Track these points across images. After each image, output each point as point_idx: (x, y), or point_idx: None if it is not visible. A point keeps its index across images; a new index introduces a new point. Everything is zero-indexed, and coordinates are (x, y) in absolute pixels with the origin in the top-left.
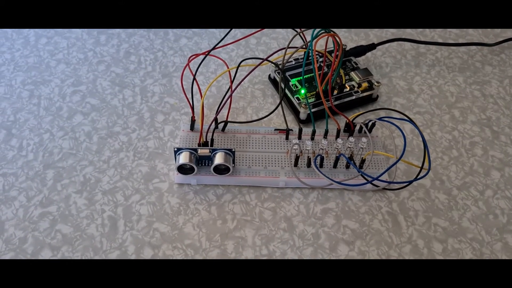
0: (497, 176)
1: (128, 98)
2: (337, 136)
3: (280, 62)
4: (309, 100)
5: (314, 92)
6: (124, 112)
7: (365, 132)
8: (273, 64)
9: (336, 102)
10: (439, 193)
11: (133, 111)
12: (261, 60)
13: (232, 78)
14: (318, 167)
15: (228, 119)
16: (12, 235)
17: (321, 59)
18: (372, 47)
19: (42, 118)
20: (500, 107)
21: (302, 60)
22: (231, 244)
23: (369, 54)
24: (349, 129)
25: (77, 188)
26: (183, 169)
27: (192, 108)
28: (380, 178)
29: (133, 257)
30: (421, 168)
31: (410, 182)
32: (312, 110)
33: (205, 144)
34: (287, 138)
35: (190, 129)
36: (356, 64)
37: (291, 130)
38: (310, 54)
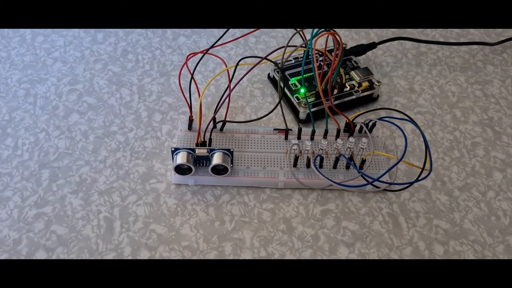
0: (499, 177)
1: (125, 97)
2: (337, 136)
3: (280, 61)
4: (309, 100)
5: (314, 92)
6: (121, 111)
7: (365, 132)
8: (272, 63)
9: (336, 102)
10: (440, 194)
11: (130, 110)
12: (260, 59)
13: (230, 77)
14: (318, 168)
15: (227, 119)
16: (6, 236)
17: (321, 58)
18: (372, 46)
19: (38, 117)
20: (502, 107)
21: (301, 59)
22: (229, 245)
23: (369, 53)
24: (349, 129)
25: (73, 188)
26: (180, 170)
27: (190, 107)
28: (380, 179)
29: (129, 258)
30: (423, 169)
31: (411, 184)
32: (312, 109)
33: (203, 144)
34: (286, 138)
35: (188, 129)
36: (357, 63)
37: (290, 130)
38: (309, 53)
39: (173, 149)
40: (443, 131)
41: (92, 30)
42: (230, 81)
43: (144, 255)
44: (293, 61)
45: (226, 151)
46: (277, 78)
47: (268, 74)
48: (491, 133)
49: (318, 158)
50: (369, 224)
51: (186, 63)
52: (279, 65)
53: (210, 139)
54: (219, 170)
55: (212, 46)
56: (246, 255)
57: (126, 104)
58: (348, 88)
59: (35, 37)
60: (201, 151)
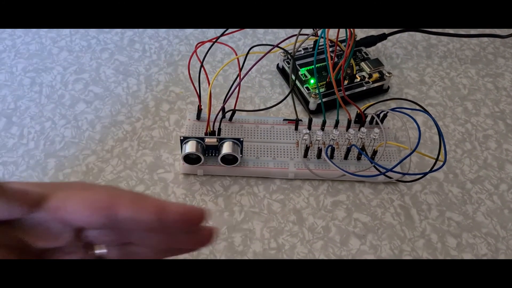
0: (511, 170)
1: (132, 87)
2: (348, 126)
3: (291, 50)
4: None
5: (324, 82)
6: (128, 101)
7: (376, 123)
8: (282, 52)
9: (347, 93)
10: (453, 187)
11: (137, 100)
12: (272, 47)
13: (240, 65)
14: (329, 158)
15: (236, 108)
16: None
17: (331, 48)
18: (382, 37)
19: (43, 106)
20: None
21: (310, 49)
22: (239, 236)
23: (379, 44)
24: (360, 120)
25: (80, 177)
26: (189, 159)
27: (199, 97)
28: (394, 169)
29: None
30: (437, 159)
31: (425, 174)
32: (323, 100)
33: (212, 134)
34: (296, 128)
35: (197, 119)
36: (367, 54)
37: (301, 120)
38: (322, 42)
39: (182, 138)
40: (455, 123)
41: None
42: (240, 69)
43: None
44: (302, 52)
45: (236, 141)
46: (286, 68)
47: (277, 64)
48: (503, 125)
49: (329, 149)
50: (380, 216)
51: (195, 51)
52: (291, 54)
53: (219, 129)
54: (228, 160)
55: (222, 35)
56: (256, 246)
57: (133, 94)
58: (359, 79)
59: None
60: (211, 140)
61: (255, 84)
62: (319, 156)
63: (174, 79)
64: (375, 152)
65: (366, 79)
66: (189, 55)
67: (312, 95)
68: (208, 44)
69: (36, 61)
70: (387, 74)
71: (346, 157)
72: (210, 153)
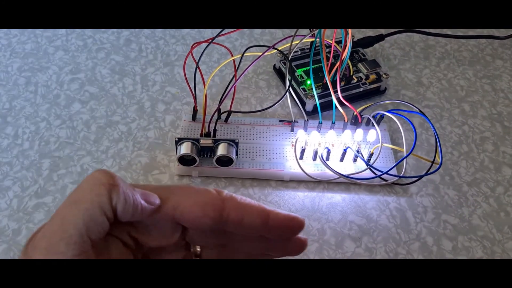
0: (508, 172)
1: (128, 87)
2: (344, 128)
3: (287, 51)
4: (316, 91)
5: (321, 83)
6: (123, 101)
7: (372, 125)
8: (279, 53)
9: (343, 94)
10: (449, 189)
11: (133, 100)
12: (268, 48)
13: (236, 66)
14: (325, 160)
15: (232, 109)
16: (6, 227)
17: (328, 49)
18: (380, 38)
19: (38, 106)
20: (511, 101)
21: (307, 50)
22: None
23: (377, 45)
24: (356, 121)
25: (74, 178)
26: (184, 160)
27: (195, 98)
28: (389, 172)
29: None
30: (433, 162)
31: (421, 177)
32: (319, 101)
33: (207, 135)
34: (292, 130)
35: (192, 119)
36: (364, 55)
37: (297, 121)
38: (318, 44)
39: (177, 139)
40: (452, 125)
41: None
42: (236, 70)
43: None
44: (299, 52)
45: (231, 142)
46: (283, 69)
47: (274, 65)
48: (500, 128)
49: (325, 151)
50: (376, 219)
51: (191, 52)
52: (287, 55)
53: (214, 130)
54: (223, 162)
55: (218, 35)
56: None
57: (129, 94)
58: (356, 80)
59: None
60: (206, 142)
61: (251, 84)
62: (315, 158)
63: (170, 80)
64: (371, 154)
65: (363, 80)
66: (186, 55)
67: (309, 96)
68: (204, 45)
69: (32, 60)
70: (384, 76)
71: (342, 159)
72: (205, 155)
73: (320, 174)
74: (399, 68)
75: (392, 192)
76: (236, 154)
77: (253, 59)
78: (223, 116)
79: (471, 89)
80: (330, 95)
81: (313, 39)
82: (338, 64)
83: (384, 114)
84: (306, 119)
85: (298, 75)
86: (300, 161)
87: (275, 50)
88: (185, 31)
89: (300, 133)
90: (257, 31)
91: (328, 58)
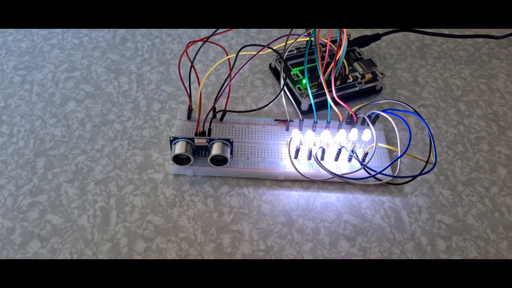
0: (503, 172)
1: (123, 86)
2: (339, 128)
3: (282, 51)
4: (311, 91)
5: (316, 83)
6: (119, 100)
7: (368, 125)
8: (274, 52)
9: (339, 93)
10: (444, 189)
11: (128, 99)
12: (262, 47)
13: (231, 65)
14: (319, 160)
15: (227, 109)
16: (0, 225)
17: (323, 49)
18: (376, 37)
19: (34, 105)
20: (507, 101)
21: (304, 49)
22: (227, 238)
23: (373, 44)
24: (352, 121)
25: (69, 177)
26: (179, 159)
27: (190, 97)
28: (383, 172)
29: (125, 250)
30: (427, 162)
31: (415, 177)
32: (314, 100)
33: (202, 134)
34: (287, 129)
35: (187, 118)
36: (360, 54)
37: (292, 121)
38: (313, 43)
39: (171, 138)
40: (447, 124)
41: None
42: (231, 69)
43: (140, 246)
44: (295, 51)
45: (225, 141)
46: (279, 68)
47: (270, 64)
48: (495, 127)
49: (320, 150)
50: (370, 218)
51: (186, 51)
52: (282, 55)
53: (209, 129)
54: (218, 161)
55: (213, 34)
56: (245, 248)
57: (124, 93)
58: (351, 79)
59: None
60: (200, 141)
61: (247, 83)
62: (309, 157)
63: (166, 78)
64: (366, 154)
65: (359, 80)
66: (181, 53)
67: (304, 95)
68: (200, 43)
69: (27, 59)
70: (380, 75)
71: (337, 159)
72: (200, 154)
73: (315, 174)
74: (395, 67)
75: (387, 192)
76: (231, 154)
77: (249, 58)
78: (218, 115)
79: (467, 88)
80: (326, 95)
81: (308, 39)
82: (332, 65)
83: (379, 113)
84: (301, 119)
85: (293, 74)
86: (294, 160)
87: (271, 49)
88: (181, 29)
89: (294, 132)
90: (253, 30)
91: (323, 58)
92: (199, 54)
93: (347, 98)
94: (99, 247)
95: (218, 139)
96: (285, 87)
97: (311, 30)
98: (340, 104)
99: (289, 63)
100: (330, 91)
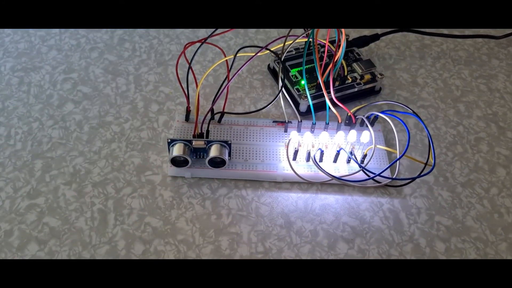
0: (502, 173)
1: (121, 87)
2: (338, 129)
3: (280, 52)
4: (310, 92)
5: (315, 84)
6: (117, 101)
7: (367, 126)
8: (272, 54)
9: (338, 94)
10: (443, 190)
11: (126, 100)
12: (260, 48)
13: (229, 67)
14: (318, 162)
15: (225, 110)
16: None
17: (322, 49)
18: (375, 37)
19: (31, 106)
20: (506, 102)
21: (303, 49)
22: (226, 240)
23: (372, 45)
24: (351, 122)
25: (66, 179)
26: (176, 162)
27: (188, 98)
28: (382, 174)
29: (123, 252)
30: (426, 164)
31: (414, 179)
32: (313, 102)
33: (200, 136)
34: (285, 130)
35: (185, 120)
36: (359, 55)
37: (290, 122)
38: (311, 44)
39: (169, 140)
40: (447, 125)
41: None
42: (229, 71)
43: (138, 248)
44: (294, 52)
45: (224, 143)
46: (277, 69)
47: (268, 65)
48: (495, 128)
49: (318, 152)
50: (369, 220)
51: (183, 52)
52: (280, 56)
53: (207, 131)
54: (216, 163)
55: (211, 35)
56: (243, 250)
57: (122, 94)
58: (350, 80)
59: None
60: (198, 143)
61: (245, 84)
62: (308, 159)
63: (163, 79)
64: (364, 156)
65: (358, 80)
66: (179, 54)
67: (302, 96)
68: (198, 44)
69: (25, 60)
70: (379, 76)
71: (335, 160)
72: (198, 156)
73: (313, 175)
74: (394, 68)
75: (386, 194)
76: (229, 155)
77: (247, 59)
78: (217, 116)
79: (467, 89)
80: (324, 96)
81: (306, 39)
82: (330, 66)
83: (378, 115)
84: (299, 120)
85: (292, 75)
86: (293, 162)
87: (269, 51)
88: (179, 30)
89: (293, 134)
90: (252, 30)
91: (321, 58)
92: (197, 55)
93: (346, 99)
94: (97, 249)
95: (216, 141)
96: (283, 88)
97: (310, 31)
98: (339, 105)
99: (288, 64)
100: (329, 92)
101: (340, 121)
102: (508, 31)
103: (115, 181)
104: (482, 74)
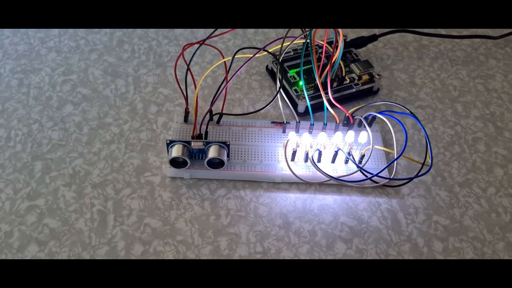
0: (500, 173)
1: (120, 88)
2: (336, 130)
3: (278, 53)
4: (308, 92)
5: (313, 84)
6: (116, 103)
7: (364, 126)
8: (270, 55)
9: (336, 95)
10: (440, 190)
11: (125, 101)
12: (258, 50)
13: (227, 68)
14: (316, 162)
15: (224, 111)
16: None
17: (320, 50)
18: (373, 38)
19: (31, 108)
20: (504, 102)
21: (301, 50)
22: (225, 240)
23: (370, 45)
24: (348, 122)
25: (66, 181)
26: (175, 163)
27: (186, 99)
28: (380, 174)
29: (122, 253)
30: (423, 164)
31: (411, 179)
32: (311, 102)
33: (199, 137)
34: (284, 131)
35: (184, 121)
36: (357, 55)
37: (288, 123)
38: (309, 45)
39: (168, 141)
40: (444, 125)
41: None
42: (227, 72)
43: (137, 249)
44: (292, 53)
45: (222, 144)
46: (275, 70)
47: (267, 66)
48: (492, 128)
49: (316, 152)
50: (367, 220)
51: (182, 53)
52: (277, 57)
53: (206, 132)
54: (215, 164)
55: (209, 37)
56: (242, 251)
57: (122, 96)
58: (348, 81)
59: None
60: (197, 144)
61: (244, 85)
62: (306, 159)
63: (162, 81)
64: (362, 156)
65: (356, 81)
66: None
67: (301, 97)
68: (196, 45)
69: (24, 62)
70: (376, 76)
71: (333, 161)
72: (196, 157)
73: (311, 176)
74: (392, 68)
75: (384, 194)
76: (228, 156)
77: (245, 60)
78: (215, 117)
79: (464, 89)
80: (322, 97)
81: (304, 40)
82: (329, 66)
83: (376, 115)
84: (298, 121)
85: (290, 76)
86: (291, 163)
87: (267, 52)
88: (178, 31)
89: (291, 135)
90: (250, 31)
91: (319, 59)
92: (196, 56)
93: (344, 100)
94: (97, 250)
95: (214, 142)
96: (281, 89)
97: (308, 32)
98: (337, 106)
99: (286, 64)
100: (326, 93)
101: (338, 122)
102: (505, 31)
103: (114, 182)
104: (479, 74)
